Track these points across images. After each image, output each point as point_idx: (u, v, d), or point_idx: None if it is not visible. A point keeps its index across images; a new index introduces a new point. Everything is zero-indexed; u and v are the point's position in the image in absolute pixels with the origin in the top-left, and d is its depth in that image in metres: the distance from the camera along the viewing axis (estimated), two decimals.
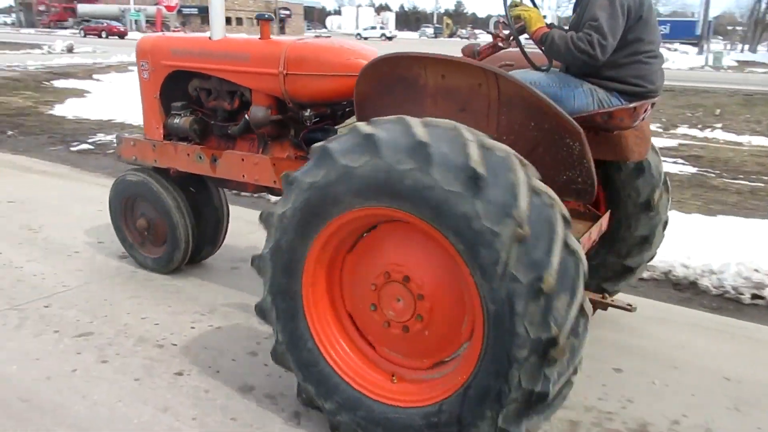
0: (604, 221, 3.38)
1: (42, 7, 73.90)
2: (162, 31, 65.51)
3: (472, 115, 2.57)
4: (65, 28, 66.07)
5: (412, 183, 2.19)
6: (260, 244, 2.71)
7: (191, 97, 4.13)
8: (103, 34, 49.40)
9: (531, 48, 3.12)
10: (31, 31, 62.46)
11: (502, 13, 3.09)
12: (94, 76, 18.82)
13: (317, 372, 2.63)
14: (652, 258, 3.83)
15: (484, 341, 2.22)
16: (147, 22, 68.17)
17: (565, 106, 2.81)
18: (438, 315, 2.47)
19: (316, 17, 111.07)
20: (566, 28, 3.05)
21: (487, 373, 2.24)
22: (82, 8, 71.97)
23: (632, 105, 2.93)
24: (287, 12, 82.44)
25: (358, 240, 2.65)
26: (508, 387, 2.19)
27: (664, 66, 3.10)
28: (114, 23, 54.25)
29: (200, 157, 3.97)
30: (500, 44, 3.27)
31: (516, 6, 3.05)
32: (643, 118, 3.06)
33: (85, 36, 48.34)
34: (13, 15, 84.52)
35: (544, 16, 3.19)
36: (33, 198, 6.18)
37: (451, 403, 2.34)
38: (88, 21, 58.76)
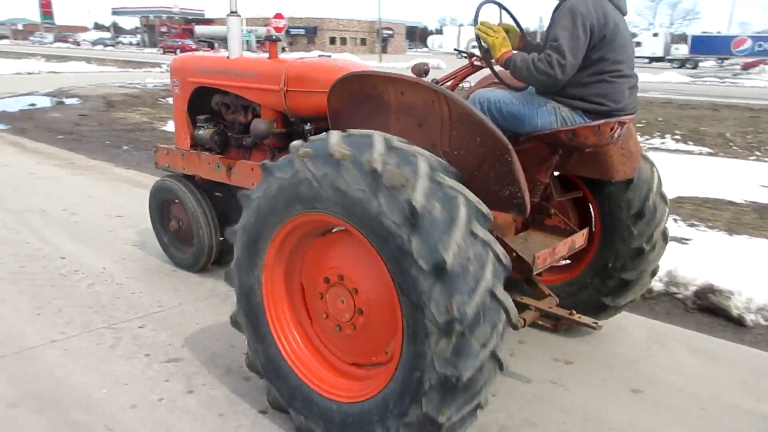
0: (578, 237, 3.40)
1: (164, 29, 79.46)
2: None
3: (428, 130, 2.69)
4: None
5: (328, 188, 2.38)
6: None
7: (214, 110, 4.48)
8: (178, 52, 52.44)
9: None
10: (154, 50, 67.26)
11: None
12: None
13: (353, 423, 2.56)
14: (654, 272, 3.75)
15: (394, 281, 2.28)
16: (257, 42, 71.54)
17: (530, 124, 3.01)
18: (367, 288, 2.58)
19: (417, 37, 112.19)
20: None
21: (408, 310, 2.27)
22: (199, 29, 76.54)
23: (595, 123, 2.94)
24: (390, 32, 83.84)
25: (303, 292, 2.89)
26: (430, 318, 2.19)
27: None
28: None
29: (218, 166, 4.31)
30: (477, 63, 3.40)
31: (484, 30, 3.08)
32: (612, 137, 3.02)
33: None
34: (139, 36, 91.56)
35: (527, 30, 3.36)
36: (140, 213, 6.35)
37: (407, 344, 2.31)
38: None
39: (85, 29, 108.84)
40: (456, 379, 2.18)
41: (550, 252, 3.14)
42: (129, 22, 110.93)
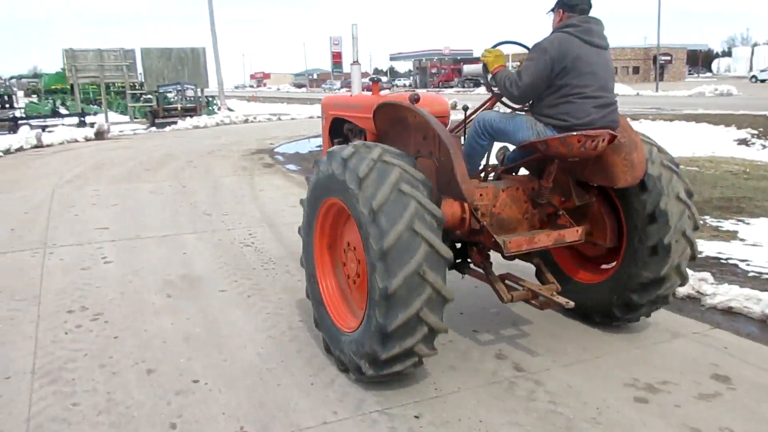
0: (569, 232, 3.90)
1: (434, 70, 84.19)
2: None
3: (429, 142, 3.80)
4: (451, 87, 73.82)
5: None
6: None
7: (345, 135, 5.32)
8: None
9: None
10: (423, 91, 71.54)
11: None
12: None
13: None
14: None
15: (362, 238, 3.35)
16: None
17: (514, 137, 3.95)
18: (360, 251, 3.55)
19: (700, 61, 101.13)
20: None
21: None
22: (466, 68, 79.37)
23: (561, 135, 3.65)
24: (668, 57, 77.00)
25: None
26: (372, 248, 3.18)
27: None
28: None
29: None
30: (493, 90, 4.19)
31: (485, 53, 4.09)
32: (584, 147, 3.60)
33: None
34: (411, 77, 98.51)
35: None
36: None
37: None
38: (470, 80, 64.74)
39: (366, 74, 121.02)
40: (386, 290, 3.07)
41: (526, 240, 3.75)
42: (403, 66, 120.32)
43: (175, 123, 24.87)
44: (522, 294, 3.90)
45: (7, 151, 16.34)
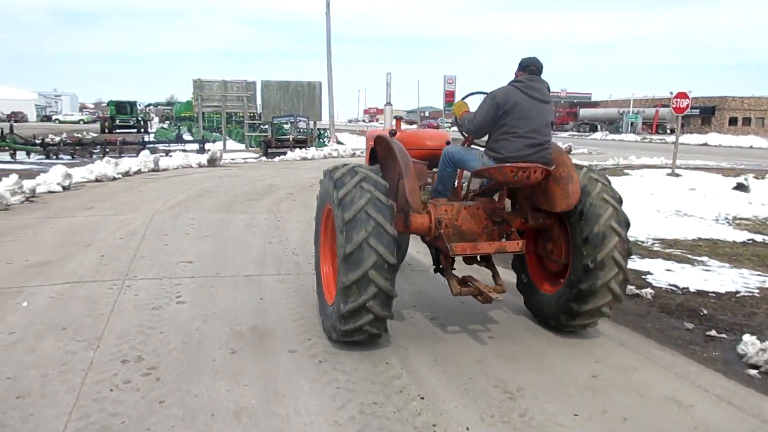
0: (510, 244, 4.86)
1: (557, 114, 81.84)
2: (657, 132, 63.63)
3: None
4: (565, 130, 71.36)
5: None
6: None
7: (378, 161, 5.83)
8: None
9: None
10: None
11: None
12: None
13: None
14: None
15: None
16: (643, 123, 67.79)
17: (469, 165, 4.94)
18: None
19: None
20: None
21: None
22: (583, 112, 76.71)
23: (498, 165, 4.60)
24: None
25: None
26: (338, 220, 4.41)
27: None
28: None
29: None
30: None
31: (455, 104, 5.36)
32: (517, 176, 4.54)
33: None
34: None
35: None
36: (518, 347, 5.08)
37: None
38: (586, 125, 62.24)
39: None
40: (344, 251, 4.16)
41: (470, 246, 4.75)
42: None
43: (285, 153, 25.26)
44: (469, 290, 4.83)
45: (126, 173, 17.01)
